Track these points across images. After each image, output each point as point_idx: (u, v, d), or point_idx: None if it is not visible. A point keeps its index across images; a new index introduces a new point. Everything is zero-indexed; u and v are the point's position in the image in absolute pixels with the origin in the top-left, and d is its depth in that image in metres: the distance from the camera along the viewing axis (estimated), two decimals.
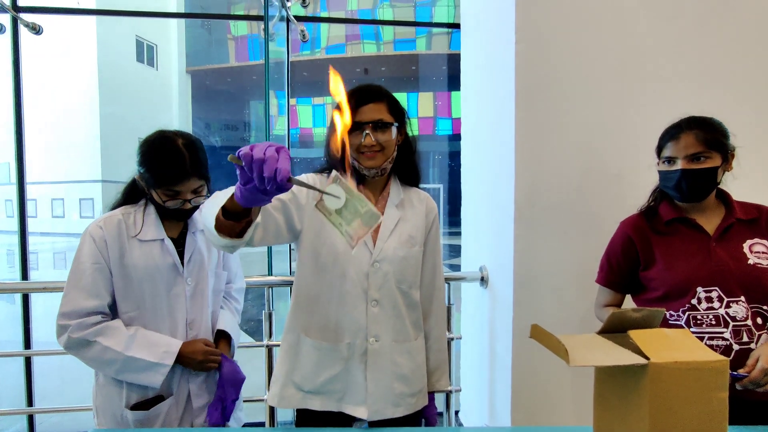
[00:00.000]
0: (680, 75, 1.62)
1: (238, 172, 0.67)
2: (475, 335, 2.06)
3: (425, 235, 1.15)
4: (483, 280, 1.87)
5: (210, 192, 1.16)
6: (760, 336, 1.04)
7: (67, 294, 1.08)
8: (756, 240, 1.11)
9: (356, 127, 1.03)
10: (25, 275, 2.27)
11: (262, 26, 2.49)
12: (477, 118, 2.06)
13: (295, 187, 1.05)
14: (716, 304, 1.07)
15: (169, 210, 1.11)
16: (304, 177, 1.10)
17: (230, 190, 0.76)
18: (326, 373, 1.06)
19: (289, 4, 2.47)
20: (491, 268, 1.85)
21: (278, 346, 1.75)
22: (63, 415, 2.61)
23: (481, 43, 1.98)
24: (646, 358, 0.59)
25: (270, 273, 2.25)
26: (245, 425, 1.32)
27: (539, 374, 1.63)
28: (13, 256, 11.33)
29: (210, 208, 0.82)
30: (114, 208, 1.17)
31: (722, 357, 0.59)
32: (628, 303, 1.31)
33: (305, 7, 2.59)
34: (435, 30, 15.72)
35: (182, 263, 1.16)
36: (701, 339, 1.07)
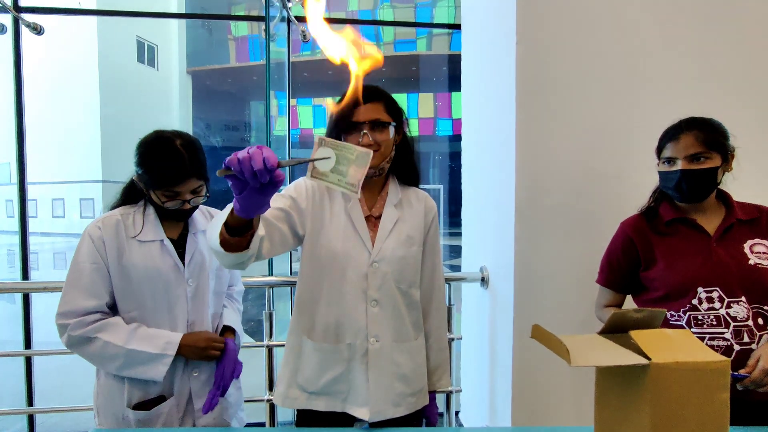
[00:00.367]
0: (680, 75, 1.62)
1: (231, 184, 0.69)
2: (475, 336, 2.05)
3: (424, 234, 1.15)
4: (483, 281, 1.87)
5: (209, 192, 1.16)
6: (761, 336, 1.04)
7: (65, 294, 1.08)
8: (756, 240, 1.11)
9: (353, 127, 1.03)
10: (25, 275, 2.27)
11: (263, 27, 2.50)
12: (477, 118, 2.06)
13: (294, 192, 1.06)
14: (717, 305, 1.07)
15: (168, 211, 1.11)
16: (301, 182, 1.10)
17: (228, 208, 0.78)
18: (329, 374, 1.06)
19: (290, 4, 2.48)
20: (492, 268, 1.85)
21: (278, 346, 1.76)
22: (63, 415, 2.61)
23: (482, 44, 1.98)
24: (648, 358, 0.59)
25: (270, 273, 2.25)
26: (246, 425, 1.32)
27: (540, 375, 1.63)
28: (14, 256, 11.34)
29: (212, 230, 0.83)
30: (113, 208, 1.17)
31: (724, 357, 0.59)
32: (629, 303, 1.31)
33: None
34: (435, 31, 15.71)
35: (183, 264, 1.15)
36: (702, 339, 1.07)
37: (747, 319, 1.05)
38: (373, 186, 1.13)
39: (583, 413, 1.66)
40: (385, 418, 1.07)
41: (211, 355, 1.14)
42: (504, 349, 1.70)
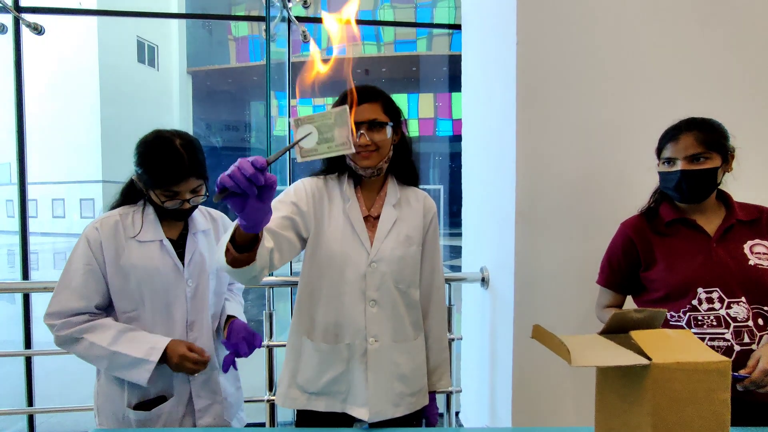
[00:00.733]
0: (681, 76, 1.62)
1: (231, 206, 0.70)
2: (475, 336, 2.05)
3: (423, 234, 1.15)
4: (484, 281, 1.87)
5: (209, 192, 1.16)
6: (761, 337, 1.04)
7: (55, 294, 1.08)
8: (757, 241, 1.11)
9: None
10: (25, 275, 2.27)
11: (263, 27, 2.50)
12: (478, 119, 2.06)
13: (294, 197, 1.06)
14: (717, 305, 1.07)
15: (167, 210, 1.11)
16: (298, 186, 1.11)
17: (231, 229, 0.80)
18: (328, 375, 1.07)
19: (290, 4, 2.48)
20: (492, 268, 1.85)
21: (278, 346, 1.76)
22: (63, 416, 2.61)
23: (482, 44, 1.98)
24: (648, 358, 0.59)
25: (270, 273, 2.25)
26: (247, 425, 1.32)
27: (540, 375, 1.63)
28: (14, 256, 11.34)
29: (218, 253, 0.84)
30: (113, 208, 1.17)
31: (724, 358, 0.59)
32: (629, 304, 1.31)
33: (306, 7, 2.59)
34: (436, 31, 15.71)
35: (183, 264, 1.15)
36: (702, 340, 1.07)
37: (747, 320, 1.05)
38: (372, 186, 1.13)
39: (583, 414, 1.66)
40: (384, 419, 1.07)
41: (186, 371, 1.09)
42: (504, 349, 1.70)
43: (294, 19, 2.52)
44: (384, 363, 1.07)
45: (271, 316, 1.79)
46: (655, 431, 0.58)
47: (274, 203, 1.03)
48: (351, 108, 1.02)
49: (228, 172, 0.67)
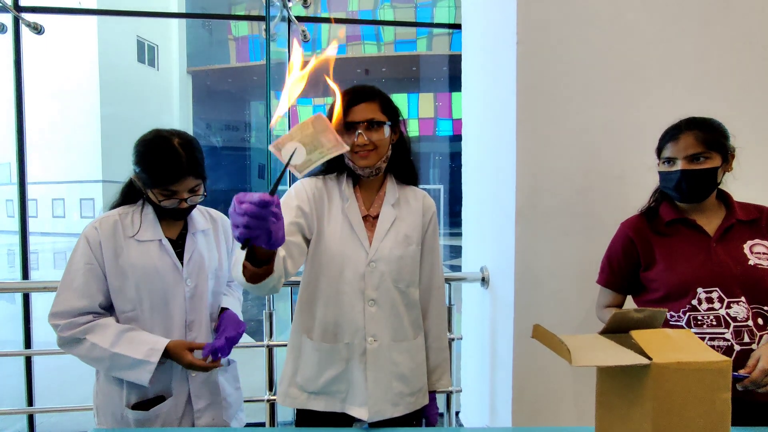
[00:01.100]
0: (681, 75, 1.62)
1: (256, 244, 0.69)
2: (475, 336, 2.05)
3: (422, 233, 1.15)
4: (484, 281, 1.87)
5: (207, 191, 1.16)
6: (761, 337, 1.04)
7: (59, 294, 1.08)
8: (756, 241, 1.11)
9: (349, 127, 1.04)
10: (25, 275, 2.27)
11: (263, 26, 2.50)
12: (478, 118, 2.06)
13: (296, 199, 1.06)
14: (717, 305, 1.07)
15: (166, 210, 1.11)
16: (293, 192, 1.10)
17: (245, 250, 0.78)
18: (327, 374, 1.06)
19: (290, 4, 2.48)
20: (492, 268, 1.85)
21: (278, 346, 1.76)
22: (63, 415, 2.61)
23: (482, 44, 1.98)
24: (649, 358, 0.59)
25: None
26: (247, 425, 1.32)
27: (540, 375, 1.63)
28: (14, 256, 11.34)
29: (236, 272, 0.83)
30: (112, 208, 1.17)
31: (725, 357, 0.58)
32: (629, 304, 1.31)
33: (306, 7, 2.59)
34: (436, 31, 15.72)
35: (182, 264, 1.15)
36: (702, 339, 1.07)
37: (747, 320, 1.05)
38: (371, 186, 1.13)
39: (583, 413, 1.66)
40: (383, 418, 1.07)
41: (196, 369, 1.10)
42: (504, 349, 1.70)
43: (294, 18, 2.52)
44: (383, 362, 1.07)
45: (271, 315, 1.79)
46: (656, 431, 0.58)
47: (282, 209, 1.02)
48: (343, 106, 1.03)
49: (240, 223, 0.65)
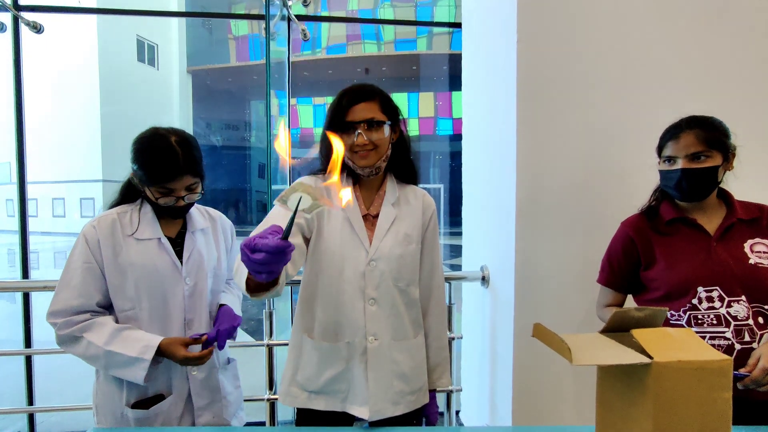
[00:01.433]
0: (682, 74, 1.61)
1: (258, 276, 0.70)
2: (476, 335, 2.05)
3: (422, 232, 1.15)
4: (484, 280, 1.87)
5: (204, 190, 1.15)
6: (761, 336, 1.04)
7: (57, 293, 1.08)
8: (757, 240, 1.11)
9: (349, 127, 1.03)
10: (25, 274, 2.27)
11: (263, 26, 2.49)
12: (478, 118, 2.05)
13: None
14: (717, 304, 1.07)
15: (164, 208, 1.11)
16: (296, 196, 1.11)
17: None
18: (328, 373, 1.06)
19: (290, 3, 2.47)
20: (492, 267, 1.85)
21: (278, 345, 1.76)
22: (63, 414, 2.61)
23: (483, 43, 1.98)
24: (650, 357, 0.59)
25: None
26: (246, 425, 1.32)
27: (540, 374, 1.63)
28: (14, 256, 11.34)
29: (239, 279, 0.86)
30: (111, 207, 1.17)
31: (726, 356, 0.58)
32: (630, 303, 1.31)
33: (306, 6, 2.59)
34: (436, 30, 15.71)
35: (181, 262, 1.15)
36: (702, 338, 1.07)
37: (747, 318, 1.05)
38: (371, 185, 1.13)
39: (584, 413, 1.66)
40: (384, 417, 1.07)
41: (192, 364, 1.09)
42: (504, 348, 1.70)
43: (294, 17, 2.52)
44: (384, 361, 1.07)
45: (271, 315, 1.79)
46: (657, 430, 0.58)
47: (278, 211, 1.02)
48: (350, 106, 1.03)
49: (257, 270, 0.67)
